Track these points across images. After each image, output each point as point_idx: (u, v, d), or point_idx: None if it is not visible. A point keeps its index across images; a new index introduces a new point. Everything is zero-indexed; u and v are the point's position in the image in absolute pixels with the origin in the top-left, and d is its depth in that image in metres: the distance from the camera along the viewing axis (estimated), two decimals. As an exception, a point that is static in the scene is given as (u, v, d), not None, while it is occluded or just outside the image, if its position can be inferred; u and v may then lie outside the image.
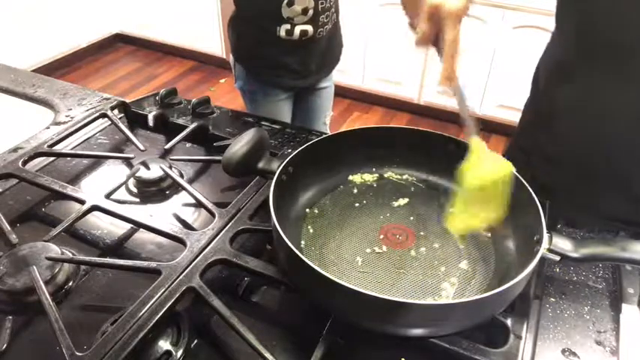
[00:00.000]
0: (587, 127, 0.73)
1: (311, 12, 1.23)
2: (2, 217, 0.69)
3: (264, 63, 1.37)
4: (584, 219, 0.76)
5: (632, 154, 0.72)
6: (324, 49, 1.37)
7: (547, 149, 0.81)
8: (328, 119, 1.61)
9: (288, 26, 1.25)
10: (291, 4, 1.21)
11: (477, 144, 0.59)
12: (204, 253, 0.61)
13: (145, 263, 0.61)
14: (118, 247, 0.69)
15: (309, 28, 1.26)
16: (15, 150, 0.84)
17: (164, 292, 0.56)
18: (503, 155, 0.62)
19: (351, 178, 0.74)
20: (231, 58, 1.45)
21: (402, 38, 2.55)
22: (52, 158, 0.86)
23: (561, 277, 0.66)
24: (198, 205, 0.72)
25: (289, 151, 0.83)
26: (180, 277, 0.58)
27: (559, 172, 0.79)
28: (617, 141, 0.71)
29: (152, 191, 0.79)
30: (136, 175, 0.80)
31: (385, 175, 0.75)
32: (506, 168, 0.58)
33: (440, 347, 0.52)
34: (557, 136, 0.79)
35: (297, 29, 1.25)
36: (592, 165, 0.76)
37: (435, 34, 0.56)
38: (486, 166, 0.58)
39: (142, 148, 0.84)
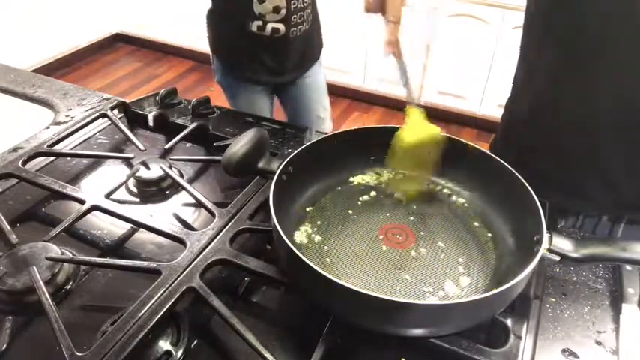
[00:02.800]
0: (569, 119, 0.74)
1: (283, 11, 1.25)
2: (2, 217, 0.69)
3: (239, 57, 1.39)
4: (570, 205, 0.79)
5: (612, 143, 0.72)
6: (300, 48, 1.37)
7: (530, 141, 0.82)
8: (324, 113, 1.58)
9: (259, 22, 1.26)
10: (262, 0, 1.22)
11: (413, 112, 0.71)
12: (204, 253, 0.61)
13: (145, 263, 0.61)
14: (118, 247, 0.69)
15: (281, 26, 1.27)
16: (15, 150, 0.84)
17: (164, 292, 0.56)
18: (489, 150, 0.64)
19: (351, 178, 0.74)
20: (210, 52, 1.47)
21: (402, 39, 2.55)
22: (52, 158, 0.86)
23: (561, 277, 0.66)
24: (198, 205, 0.72)
25: (289, 151, 0.83)
26: (180, 277, 0.58)
27: (543, 162, 0.80)
28: (598, 130, 0.72)
29: (152, 191, 0.79)
30: (136, 175, 0.79)
31: (385, 175, 0.75)
32: (434, 131, 0.69)
33: (440, 347, 0.52)
34: (539, 128, 0.80)
35: (269, 26, 1.27)
36: (573, 154, 0.77)
37: (380, 1, 0.63)
38: (418, 130, 0.70)
39: (142, 148, 0.84)
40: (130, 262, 0.62)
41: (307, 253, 0.62)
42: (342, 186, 0.73)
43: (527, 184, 0.60)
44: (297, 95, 1.52)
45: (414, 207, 0.69)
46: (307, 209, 0.69)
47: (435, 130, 0.69)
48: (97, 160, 0.87)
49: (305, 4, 1.28)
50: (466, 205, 0.70)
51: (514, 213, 0.64)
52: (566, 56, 0.72)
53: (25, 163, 0.79)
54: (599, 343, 0.57)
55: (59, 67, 3.31)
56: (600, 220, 0.80)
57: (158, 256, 0.67)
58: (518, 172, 0.62)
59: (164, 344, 0.54)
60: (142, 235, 0.71)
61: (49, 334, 0.52)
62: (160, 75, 3.38)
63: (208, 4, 1.38)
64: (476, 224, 0.67)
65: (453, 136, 0.70)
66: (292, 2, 1.24)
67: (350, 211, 0.69)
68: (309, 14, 1.32)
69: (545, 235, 0.54)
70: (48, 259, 0.62)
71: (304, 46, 1.38)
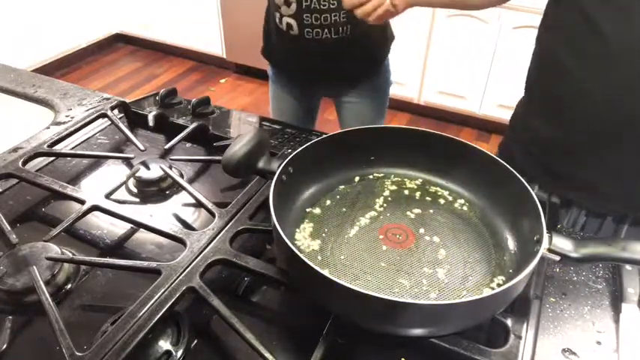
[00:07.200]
0: (585, 117, 0.75)
1: (294, 5, 1.18)
2: (2, 217, 0.69)
3: (270, 44, 1.36)
4: (577, 197, 0.80)
5: (623, 143, 0.73)
6: (328, 56, 1.26)
7: (544, 138, 0.82)
8: None
9: (278, 14, 1.23)
10: None
11: None
12: (204, 253, 0.61)
13: (145, 263, 0.61)
14: (118, 247, 0.69)
15: (294, 23, 1.21)
16: (15, 150, 0.84)
17: (164, 292, 0.56)
18: (499, 150, 0.64)
19: (350, 178, 0.74)
20: None
21: (402, 39, 2.55)
22: (52, 158, 0.86)
23: (561, 277, 0.66)
24: (198, 205, 0.72)
25: (289, 151, 0.83)
26: (180, 277, 0.58)
27: (552, 153, 0.81)
28: (611, 130, 0.73)
29: (152, 191, 0.79)
30: (136, 175, 0.80)
31: (385, 175, 0.75)
32: None
33: (440, 347, 0.52)
34: (555, 125, 0.80)
35: (284, 20, 1.23)
36: (584, 146, 0.77)
37: None
38: None
39: (142, 148, 0.84)
40: (130, 262, 0.62)
41: (307, 253, 0.62)
42: (342, 186, 0.73)
43: (527, 185, 0.60)
44: (339, 115, 1.46)
45: (414, 207, 0.69)
46: (307, 209, 0.69)
47: None
48: (97, 160, 0.87)
49: (324, 7, 1.17)
50: (466, 205, 0.70)
51: (514, 213, 0.64)
52: (576, 54, 0.72)
53: (25, 163, 0.79)
54: (599, 343, 0.57)
55: (59, 67, 3.31)
56: (605, 219, 0.80)
57: (158, 256, 0.67)
58: (525, 162, 0.62)
59: (164, 344, 0.54)
60: (142, 235, 0.71)
61: (49, 334, 0.52)
62: (159, 75, 3.38)
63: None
64: (476, 224, 0.67)
65: (454, 137, 0.70)
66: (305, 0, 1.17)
67: (350, 211, 0.69)
68: (337, 23, 1.20)
69: (545, 235, 0.54)
70: (48, 259, 0.62)
71: (331, 58, 1.26)
